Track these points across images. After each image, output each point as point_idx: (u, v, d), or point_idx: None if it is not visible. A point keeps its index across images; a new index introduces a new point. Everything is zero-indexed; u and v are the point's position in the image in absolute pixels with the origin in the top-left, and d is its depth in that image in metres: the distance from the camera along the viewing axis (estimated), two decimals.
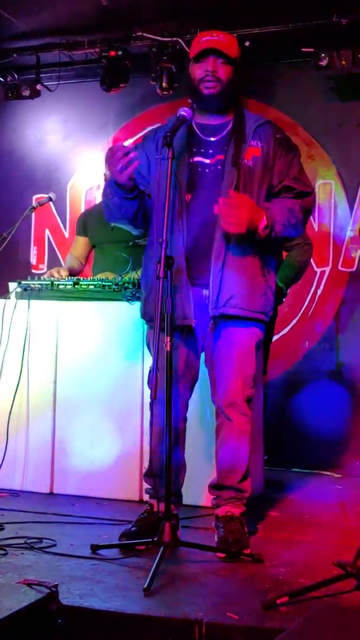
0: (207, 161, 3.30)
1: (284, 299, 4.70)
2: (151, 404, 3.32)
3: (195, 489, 3.67)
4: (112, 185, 3.28)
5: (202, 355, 3.42)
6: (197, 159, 3.31)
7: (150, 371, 3.41)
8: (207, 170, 3.29)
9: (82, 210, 6.26)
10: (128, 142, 6.28)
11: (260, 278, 3.28)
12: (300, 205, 3.30)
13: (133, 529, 3.27)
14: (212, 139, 3.34)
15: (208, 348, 3.35)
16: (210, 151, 3.31)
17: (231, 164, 3.25)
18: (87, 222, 4.95)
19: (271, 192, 3.32)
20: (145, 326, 3.60)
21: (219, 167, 3.28)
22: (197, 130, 3.35)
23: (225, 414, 3.31)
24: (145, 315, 3.46)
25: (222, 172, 3.26)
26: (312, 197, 3.39)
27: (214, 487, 3.37)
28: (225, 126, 3.35)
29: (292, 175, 3.33)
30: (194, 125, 3.35)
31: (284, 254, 4.58)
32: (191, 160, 3.28)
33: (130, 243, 4.51)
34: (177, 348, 3.20)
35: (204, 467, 3.75)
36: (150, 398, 2.94)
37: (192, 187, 3.26)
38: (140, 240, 4.27)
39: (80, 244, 4.98)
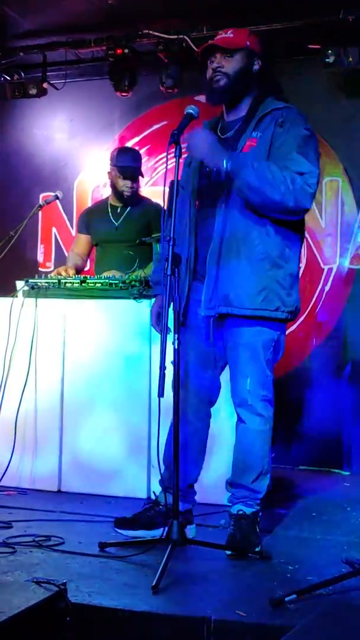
0: None
1: None
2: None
3: (206, 487, 3.67)
4: None
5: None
6: None
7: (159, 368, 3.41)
8: (213, 169, 3.26)
9: None
10: (135, 140, 6.29)
11: (262, 273, 3.18)
12: (291, 175, 3.11)
13: (128, 517, 3.33)
14: (226, 136, 3.35)
15: (224, 349, 3.35)
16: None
17: None
18: (90, 221, 4.95)
19: None
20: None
21: None
22: (217, 131, 3.37)
23: (238, 414, 3.31)
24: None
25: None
26: (307, 176, 3.15)
27: (229, 485, 3.37)
28: (238, 122, 3.35)
29: (286, 152, 3.17)
30: (218, 127, 3.39)
31: None
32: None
33: (137, 242, 4.52)
34: (186, 347, 3.18)
35: (216, 465, 3.76)
36: (158, 396, 2.92)
37: (201, 190, 3.28)
38: (147, 238, 4.28)
39: (83, 241, 4.98)
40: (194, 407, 3.32)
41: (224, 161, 3.11)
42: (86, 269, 5.14)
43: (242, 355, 3.26)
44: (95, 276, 4.35)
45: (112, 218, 4.78)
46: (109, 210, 4.81)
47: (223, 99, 3.36)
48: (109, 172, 4.84)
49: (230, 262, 3.19)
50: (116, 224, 4.78)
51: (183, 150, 3.15)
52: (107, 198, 4.98)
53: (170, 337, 3.03)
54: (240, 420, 3.31)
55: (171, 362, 3.12)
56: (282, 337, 3.35)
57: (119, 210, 4.81)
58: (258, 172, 3.09)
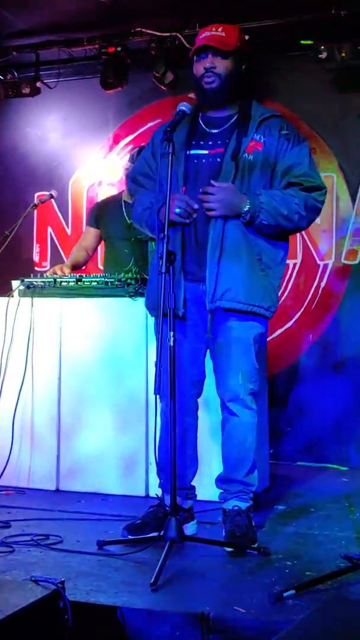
0: (205, 152, 3.31)
1: None
2: (160, 400, 3.32)
3: (203, 484, 3.67)
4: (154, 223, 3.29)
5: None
6: (193, 151, 3.32)
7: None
8: (203, 161, 3.30)
9: (84, 207, 6.26)
10: (129, 139, 6.29)
11: (259, 272, 3.27)
12: (303, 198, 3.27)
13: (138, 521, 3.29)
14: (214, 131, 3.35)
15: (210, 343, 3.35)
16: (210, 142, 3.31)
17: (230, 157, 3.25)
18: (101, 215, 4.94)
19: (274, 187, 3.32)
20: (150, 318, 3.57)
21: (218, 159, 3.28)
22: (201, 123, 3.37)
23: (229, 408, 3.32)
24: (148, 305, 3.52)
25: (220, 165, 3.26)
26: (318, 193, 3.32)
27: (221, 481, 3.37)
28: (229, 119, 3.36)
29: (299, 171, 3.30)
30: (199, 119, 3.37)
31: None
32: (187, 153, 3.30)
33: (132, 239, 4.51)
34: (180, 344, 3.21)
35: (211, 462, 3.76)
36: (154, 393, 2.92)
37: (187, 179, 3.28)
38: (142, 236, 4.27)
39: (91, 234, 4.98)
40: (185, 404, 3.32)
41: (246, 209, 3.19)
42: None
43: (235, 349, 3.28)
44: (92, 274, 4.33)
45: (125, 215, 4.76)
46: (123, 206, 4.79)
47: (214, 100, 3.35)
48: (125, 169, 4.86)
49: (230, 263, 3.22)
50: (129, 220, 4.76)
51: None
52: (120, 194, 4.98)
53: None
54: (231, 414, 3.32)
55: (154, 362, 3.20)
56: (266, 333, 3.46)
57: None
58: (274, 212, 3.21)
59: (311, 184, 3.30)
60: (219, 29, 3.32)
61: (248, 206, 3.19)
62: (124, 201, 4.81)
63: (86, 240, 5.00)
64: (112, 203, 5.00)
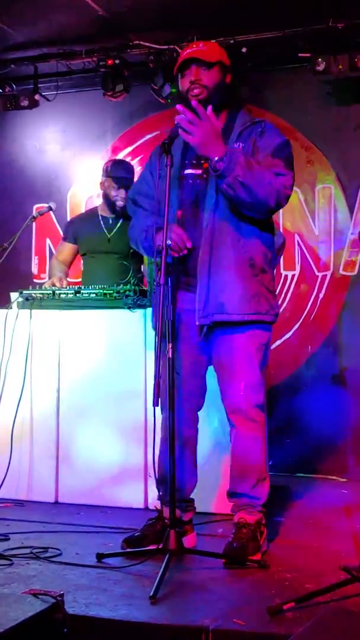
0: (199, 172, 3.31)
1: None
2: (161, 411, 3.31)
3: (203, 496, 3.67)
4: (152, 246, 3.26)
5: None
6: (187, 171, 3.32)
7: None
8: (197, 181, 3.31)
9: None
10: (127, 150, 6.31)
11: (252, 279, 3.24)
12: (274, 177, 3.18)
13: (137, 534, 3.27)
14: None
15: (212, 355, 3.35)
16: (201, 161, 3.30)
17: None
18: (78, 231, 4.94)
19: None
20: (150, 330, 3.54)
21: (205, 175, 3.29)
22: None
23: (231, 420, 3.31)
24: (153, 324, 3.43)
25: (207, 180, 3.27)
26: (285, 179, 3.22)
27: (229, 495, 3.37)
28: None
29: (263, 155, 3.24)
30: None
31: None
32: (181, 174, 3.30)
33: (131, 252, 4.52)
34: (180, 355, 3.22)
35: (211, 474, 3.76)
36: (153, 405, 2.92)
37: (182, 202, 3.29)
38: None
39: (68, 250, 4.99)
40: (184, 417, 3.31)
41: (220, 156, 3.09)
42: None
43: (236, 360, 3.26)
44: (90, 286, 4.34)
45: (104, 229, 4.79)
46: (101, 221, 4.81)
47: None
48: (101, 183, 4.86)
49: (220, 271, 3.22)
50: (109, 235, 4.78)
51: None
52: (96, 208, 4.99)
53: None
54: (232, 426, 3.31)
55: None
56: (270, 341, 3.39)
57: (110, 221, 4.81)
58: (249, 169, 3.12)
59: (274, 170, 3.20)
60: (199, 44, 3.40)
61: (226, 153, 3.09)
62: (101, 215, 4.83)
63: (63, 255, 5.01)
64: (89, 218, 5.00)
